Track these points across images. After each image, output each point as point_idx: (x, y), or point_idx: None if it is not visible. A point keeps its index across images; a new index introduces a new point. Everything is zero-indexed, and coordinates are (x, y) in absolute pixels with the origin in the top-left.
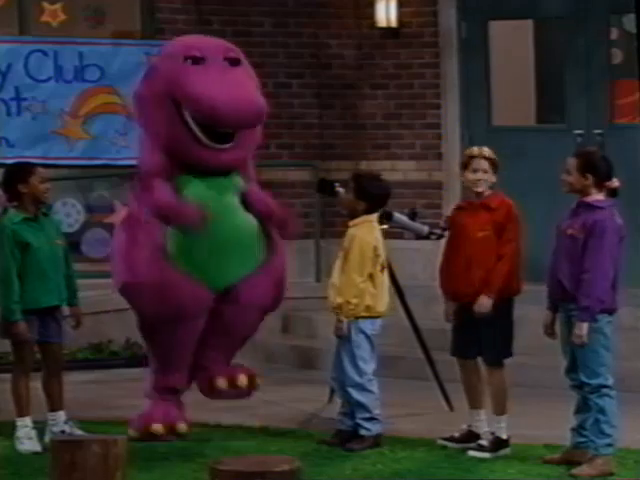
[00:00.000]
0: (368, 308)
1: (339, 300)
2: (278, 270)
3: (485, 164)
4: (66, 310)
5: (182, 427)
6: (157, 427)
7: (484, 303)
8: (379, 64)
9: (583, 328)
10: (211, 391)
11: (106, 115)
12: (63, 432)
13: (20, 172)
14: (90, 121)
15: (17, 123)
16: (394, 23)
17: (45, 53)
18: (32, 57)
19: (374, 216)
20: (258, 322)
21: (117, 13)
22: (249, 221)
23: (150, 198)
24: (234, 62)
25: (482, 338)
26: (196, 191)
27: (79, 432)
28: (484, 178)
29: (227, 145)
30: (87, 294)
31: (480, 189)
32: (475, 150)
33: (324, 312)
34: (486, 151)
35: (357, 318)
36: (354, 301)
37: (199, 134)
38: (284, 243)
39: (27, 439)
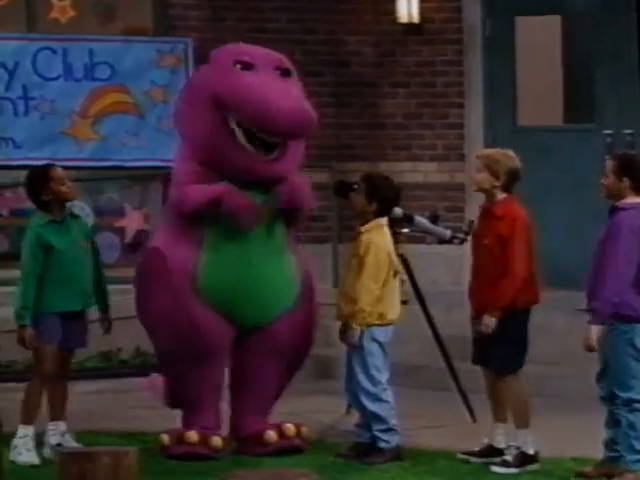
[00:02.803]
0: (381, 315)
1: (353, 308)
2: (307, 319)
3: (478, 163)
4: (93, 315)
5: (217, 440)
6: (191, 434)
7: (487, 322)
8: (400, 61)
9: (591, 331)
10: (261, 446)
11: (117, 115)
12: (59, 445)
13: (38, 180)
14: (100, 121)
15: (24, 123)
16: (416, 19)
17: (54, 51)
18: (40, 55)
19: (385, 220)
20: (281, 370)
21: (128, 9)
22: (286, 259)
23: (190, 195)
24: (285, 72)
25: (493, 345)
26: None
27: (75, 445)
28: (476, 178)
29: (272, 155)
30: None
31: (474, 189)
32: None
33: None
34: (483, 150)
35: (369, 326)
36: (368, 309)
37: (244, 142)
38: (316, 291)
39: (25, 450)
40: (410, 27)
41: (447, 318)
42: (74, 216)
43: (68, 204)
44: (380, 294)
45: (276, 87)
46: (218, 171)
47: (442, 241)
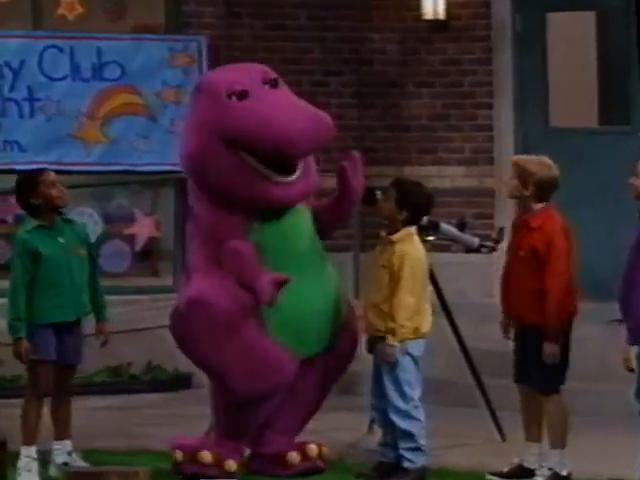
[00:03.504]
0: (416, 329)
1: (391, 324)
2: (356, 334)
3: (511, 171)
4: (88, 327)
5: (231, 465)
6: (205, 454)
7: (550, 351)
8: (425, 60)
9: (629, 352)
10: (283, 467)
11: (126, 116)
12: (66, 464)
13: (28, 184)
14: (109, 123)
15: (30, 125)
16: (442, 15)
17: (61, 49)
18: (46, 53)
19: (414, 228)
20: (324, 392)
21: (139, 6)
22: (334, 279)
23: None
24: (274, 83)
25: (532, 362)
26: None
27: (82, 464)
28: (508, 184)
29: (295, 176)
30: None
31: (507, 195)
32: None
33: (364, 332)
34: (515, 157)
35: (403, 340)
36: (408, 324)
37: (265, 170)
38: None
39: (25, 471)
40: (436, 24)
41: (475, 331)
42: (67, 221)
43: (76, 211)
44: (418, 307)
45: (282, 106)
46: (239, 209)
47: (469, 250)
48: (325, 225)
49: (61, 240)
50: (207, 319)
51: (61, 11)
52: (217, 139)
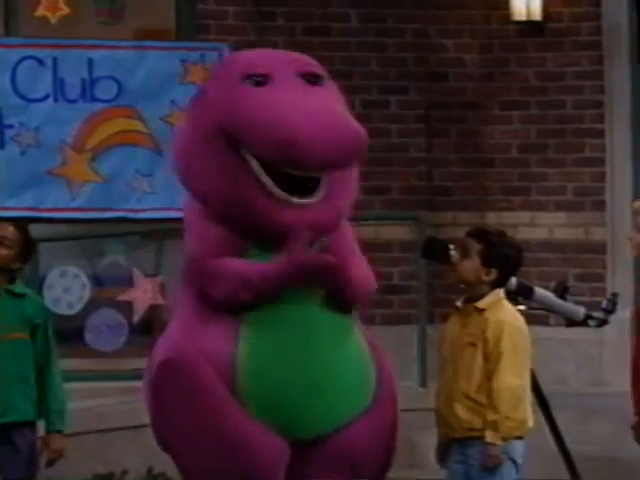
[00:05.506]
0: (522, 423)
1: (493, 416)
2: (386, 423)
3: (636, 219)
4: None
5: None
6: None
7: None
8: (515, 74)
9: None
10: None
11: (124, 148)
12: None
13: None
14: (101, 157)
15: None
16: (538, 15)
17: (40, 61)
18: (22, 67)
19: (503, 292)
20: None
21: (142, 5)
22: (356, 341)
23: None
24: (313, 79)
25: None
26: None
27: None
28: (636, 239)
29: (310, 199)
30: (91, 403)
31: (633, 253)
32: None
33: (433, 430)
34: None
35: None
36: (513, 415)
37: (269, 183)
38: (394, 376)
39: None
40: (530, 26)
41: (581, 430)
42: (15, 294)
43: (57, 270)
44: (524, 394)
45: (301, 102)
46: (240, 229)
47: (572, 322)
48: None
49: None
50: (181, 388)
51: (42, 12)
52: (213, 132)
